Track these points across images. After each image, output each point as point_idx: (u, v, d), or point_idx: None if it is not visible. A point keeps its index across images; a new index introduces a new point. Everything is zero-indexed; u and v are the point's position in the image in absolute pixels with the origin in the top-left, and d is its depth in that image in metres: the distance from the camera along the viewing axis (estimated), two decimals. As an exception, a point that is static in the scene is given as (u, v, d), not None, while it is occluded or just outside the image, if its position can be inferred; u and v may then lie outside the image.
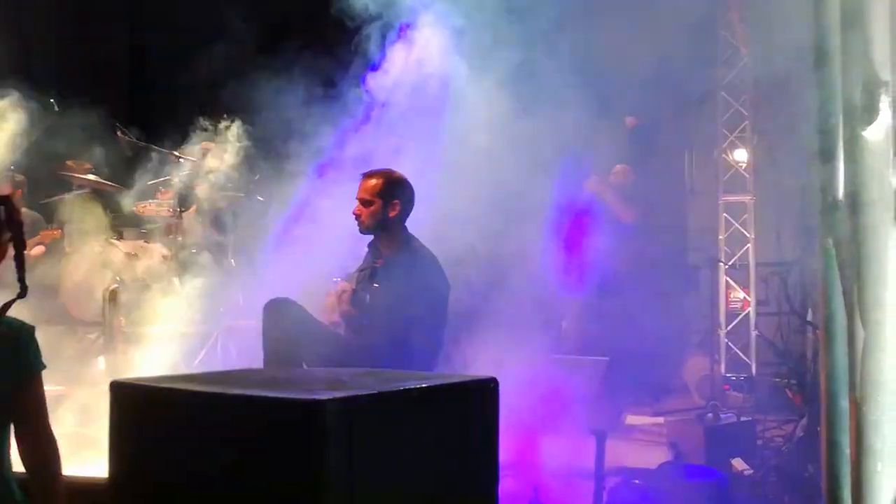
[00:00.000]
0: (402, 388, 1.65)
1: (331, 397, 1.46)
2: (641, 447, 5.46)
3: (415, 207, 4.17)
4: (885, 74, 1.42)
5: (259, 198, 7.16)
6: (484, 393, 1.83)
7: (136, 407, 1.68)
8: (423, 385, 1.68)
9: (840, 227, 1.56)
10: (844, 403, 1.60)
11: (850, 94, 1.45)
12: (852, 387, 1.49)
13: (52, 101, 6.65)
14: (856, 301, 1.47)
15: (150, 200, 6.93)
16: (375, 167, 4.24)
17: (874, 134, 1.44)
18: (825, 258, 1.68)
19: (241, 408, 1.54)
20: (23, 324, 2.19)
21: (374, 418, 1.55)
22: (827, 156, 1.62)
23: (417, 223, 4.34)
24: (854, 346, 1.48)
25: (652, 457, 4.94)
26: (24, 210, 6.94)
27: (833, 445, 1.68)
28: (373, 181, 4.01)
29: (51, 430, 2.21)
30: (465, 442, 1.78)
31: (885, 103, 1.41)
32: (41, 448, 2.18)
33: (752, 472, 4.55)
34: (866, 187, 1.45)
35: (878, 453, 1.46)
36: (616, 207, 6.76)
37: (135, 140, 6.78)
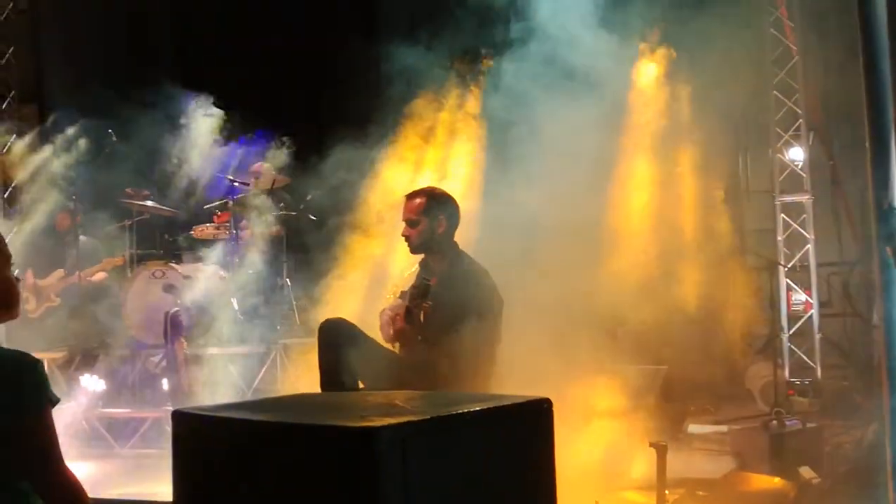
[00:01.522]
0: (455, 412, 1.65)
1: (384, 424, 1.48)
2: (704, 457, 5.37)
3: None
4: (937, 80, 1.39)
5: (312, 216, 7.27)
6: (538, 413, 1.83)
7: (196, 436, 1.72)
8: (477, 408, 1.68)
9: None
10: (909, 415, 1.55)
11: (901, 101, 1.42)
12: (916, 400, 1.45)
13: (110, 131, 6.86)
14: (916, 312, 1.43)
15: (207, 224, 7.09)
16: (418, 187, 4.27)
17: (927, 141, 1.41)
18: (881, 265, 1.64)
19: (296, 436, 1.57)
20: (22, 355, 1.97)
21: (428, 443, 1.56)
22: (880, 162, 1.59)
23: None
24: (916, 357, 1.44)
25: (716, 466, 4.85)
26: (84, 238, 7.15)
27: (900, 459, 1.63)
28: (417, 201, 4.05)
29: (70, 474, 1.97)
30: (522, 463, 1.77)
31: (936, 110, 1.38)
32: (62, 496, 1.93)
33: (820, 480, 4.42)
34: (921, 195, 1.42)
35: (946, 468, 1.41)
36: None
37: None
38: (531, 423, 1.81)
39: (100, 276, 7.00)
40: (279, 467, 1.58)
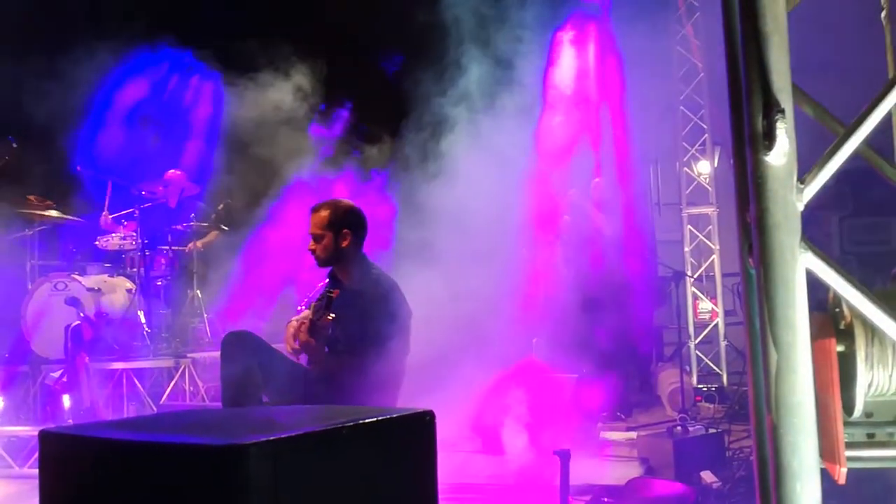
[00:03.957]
0: (330, 427, 1.64)
1: (252, 441, 1.45)
2: (614, 463, 5.46)
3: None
4: (784, 101, 1.46)
5: (224, 227, 7.13)
6: (420, 426, 1.82)
7: (63, 457, 1.66)
8: (352, 423, 1.67)
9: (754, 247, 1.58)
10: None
11: (753, 120, 1.48)
12: (768, 408, 1.51)
13: (9, 138, 6.60)
14: (767, 322, 1.49)
15: (113, 234, 6.86)
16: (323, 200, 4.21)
17: (776, 159, 1.47)
18: (747, 278, 1.71)
19: (164, 455, 1.52)
20: None
21: (302, 459, 1.54)
22: (740, 176, 1.65)
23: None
24: (768, 366, 1.49)
25: (624, 473, 4.94)
26: None
27: (763, 463, 1.69)
28: (321, 214, 3.99)
29: None
30: (401, 477, 1.76)
31: (782, 130, 1.44)
32: None
33: (720, 484, 4.55)
34: (770, 211, 1.48)
35: (796, 474, 1.47)
36: (597, 220, 6.80)
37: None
38: (413, 436, 1.81)
39: None
40: (148, 488, 1.53)
